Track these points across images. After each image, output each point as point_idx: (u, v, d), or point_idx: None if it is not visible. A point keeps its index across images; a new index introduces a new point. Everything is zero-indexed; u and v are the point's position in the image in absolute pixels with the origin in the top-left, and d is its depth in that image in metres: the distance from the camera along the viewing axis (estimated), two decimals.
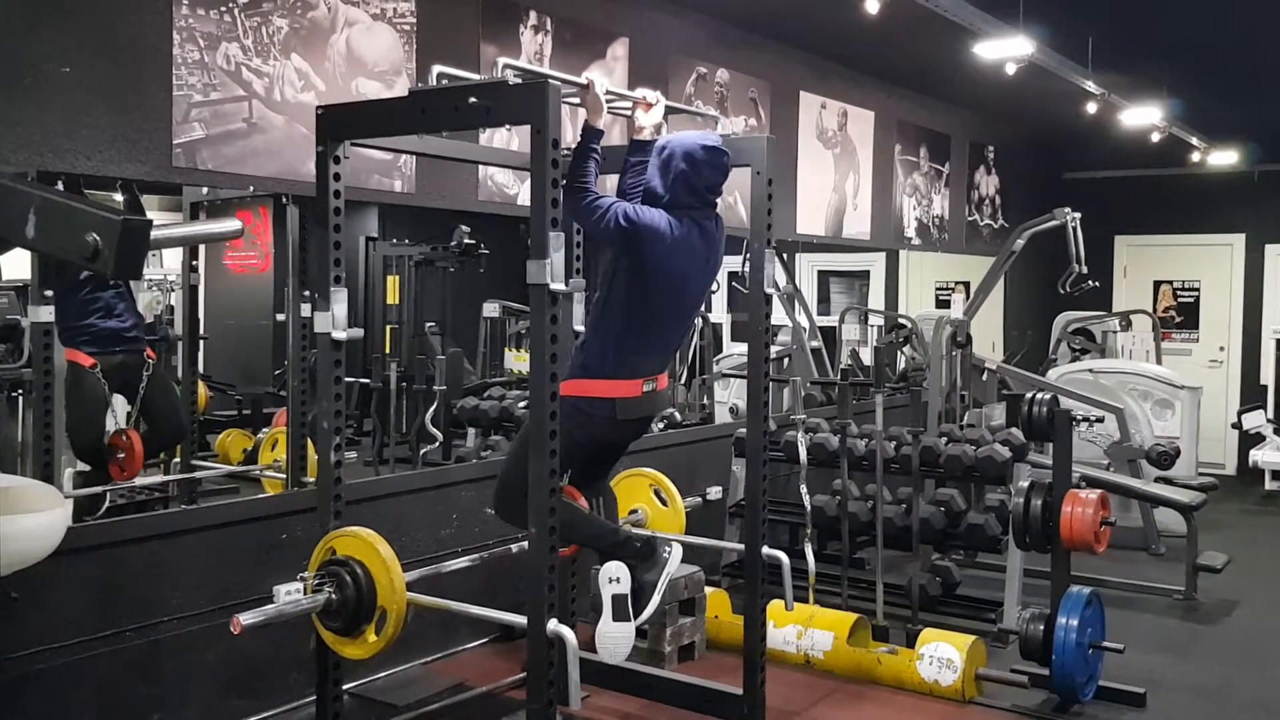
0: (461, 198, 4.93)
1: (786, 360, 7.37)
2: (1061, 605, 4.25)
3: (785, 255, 7.21)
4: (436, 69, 3.06)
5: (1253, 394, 9.84)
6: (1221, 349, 10.28)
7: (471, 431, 6.06)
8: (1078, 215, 6.65)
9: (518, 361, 6.68)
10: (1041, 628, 4.25)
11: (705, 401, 7.13)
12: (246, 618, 2.87)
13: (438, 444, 5.71)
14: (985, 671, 4.41)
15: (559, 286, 2.78)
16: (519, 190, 5.09)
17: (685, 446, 5.84)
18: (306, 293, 4.15)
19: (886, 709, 4.30)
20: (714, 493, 4.67)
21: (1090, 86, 6.94)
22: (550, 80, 2.84)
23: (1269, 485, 8.92)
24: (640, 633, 4.51)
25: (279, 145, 4.09)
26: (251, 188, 4.10)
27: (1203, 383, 8.36)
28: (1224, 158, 9.53)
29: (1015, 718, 4.22)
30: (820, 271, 9.06)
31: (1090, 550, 4.37)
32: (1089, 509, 4.31)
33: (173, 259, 4.95)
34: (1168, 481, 6.83)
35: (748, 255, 3.58)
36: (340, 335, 3.27)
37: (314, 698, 3.41)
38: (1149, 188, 10.36)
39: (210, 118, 3.86)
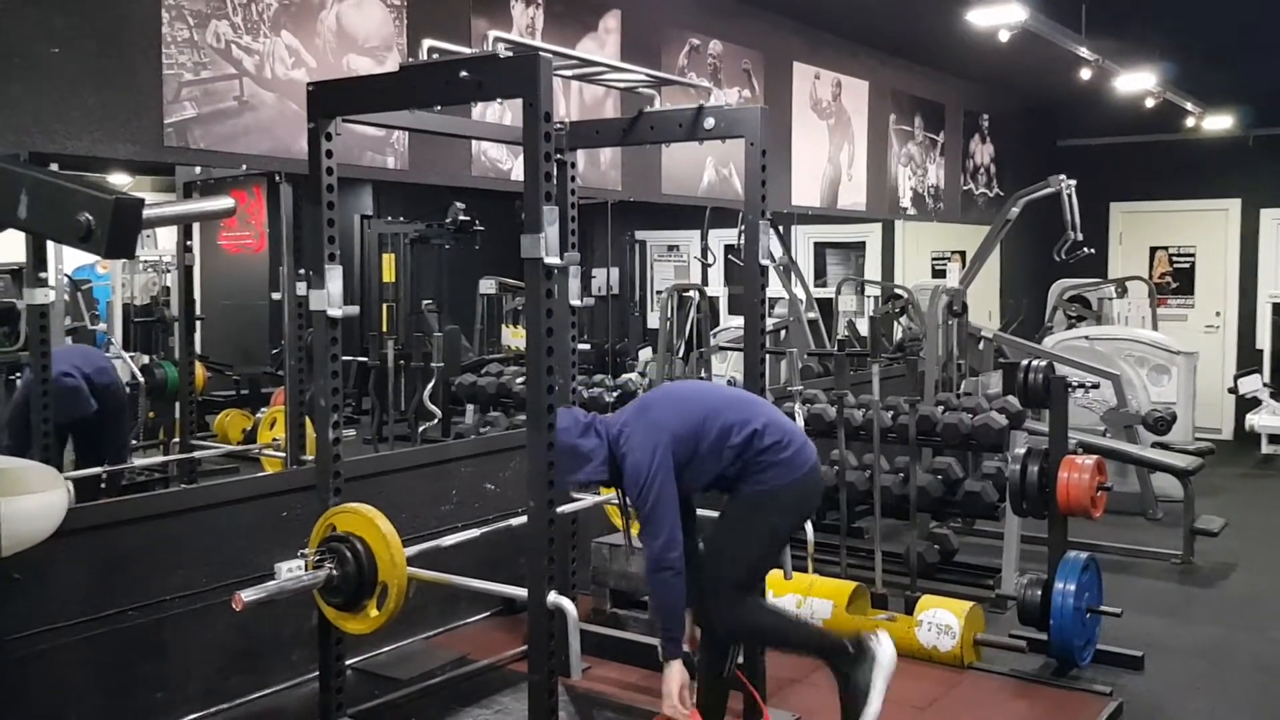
0: (455, 174, 4.91)
1: (783, 332, 7.38)
2: (1059, 570, 4.27)
3: (780, 227, 7.21)
4: (427, 43, 3.04)
5: (1249, 358, 9.85)
6: (1218, 314, 10.28)
7: (470, 408, 6.08)
8: (1073, 182, 6.64)
9: (515, 338, 6.68)
10: (1039, 593, 4.28)
11: (703, 374, 7.14)
12: (248, 594, 2.88)
13: (436, 421, 5.73)
14: (983, 637, 4.44)
15: (554, 261, 2.77)
16: (513, 165, 5.07)
17: None
18: (302, 271, 4.14)
19: None
20: None
21: (1084, 53, 6.90)
22: (542, 53, 2.82)
23: (1265, 449, 8.94)
24: (641, 604, 4.56)
25: (271, 123, 4.08)
26: (244, 166, 4.09)
27: (1199, 348, 8.38)
28: (1219, 122, 9.48)
29: (1013, 682, 4.25)
30: (816, 243, 9.05)
31: (1087, 515, 4.39)
32: (1085, 474, 4.33)
33: (167, 239, 4.94)
34: (1164, 447, 6.85)
35: (743, 228, 3.56)
36: (336, 313, 3.26)
37: (316, 673, 3.43)
38: (1144, 154, 10.32)
39: (201, 96, 3.85)
